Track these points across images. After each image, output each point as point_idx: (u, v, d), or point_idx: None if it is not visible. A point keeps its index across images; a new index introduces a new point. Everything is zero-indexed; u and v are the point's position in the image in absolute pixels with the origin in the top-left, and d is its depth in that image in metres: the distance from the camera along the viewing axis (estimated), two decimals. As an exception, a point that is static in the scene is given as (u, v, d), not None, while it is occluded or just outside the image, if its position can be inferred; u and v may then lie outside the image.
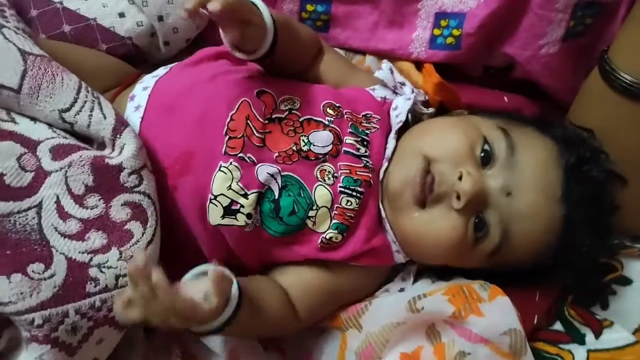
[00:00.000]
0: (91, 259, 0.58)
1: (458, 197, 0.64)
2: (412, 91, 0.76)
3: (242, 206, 0.64)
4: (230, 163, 0.64)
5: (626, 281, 0.77)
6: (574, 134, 0.73)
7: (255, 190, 0.65)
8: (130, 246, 0.60)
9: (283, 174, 0.66)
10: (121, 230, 0.60)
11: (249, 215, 0.64)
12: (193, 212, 0.66)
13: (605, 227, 0.71)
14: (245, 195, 0.64)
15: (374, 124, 0.72)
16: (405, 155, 0.70)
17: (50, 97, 0.60)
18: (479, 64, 0.88)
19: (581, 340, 0.73)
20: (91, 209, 0.59)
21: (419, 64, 0.87)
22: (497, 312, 0.65)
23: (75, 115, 0.61)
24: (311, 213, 0.66)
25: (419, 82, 0.83)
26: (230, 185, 0.64)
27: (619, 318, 0.74)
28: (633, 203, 0.74)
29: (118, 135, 0.62)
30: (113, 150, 0.62)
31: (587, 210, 0.67)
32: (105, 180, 0.60)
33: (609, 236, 0.73)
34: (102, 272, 0.58)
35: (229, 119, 0.66)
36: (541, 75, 0.84)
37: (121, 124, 0.62)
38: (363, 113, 0.73)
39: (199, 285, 0.55)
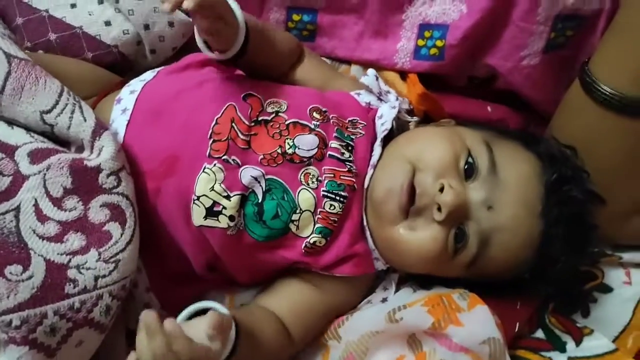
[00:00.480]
0: (70, 261, 0.58)
1: (439, 209, 0.64)
2: (397, 99, 0.77)
3: (224, 207, 0.64)
4: (214, 165, 0.65)
5: (607, 289, 0.78)
6: (557, 151, 0.73)
7: (238, 193, 0.65)
8: (109, 247, 0.60)
9: (267, 177, 0.66)
10: (100, 231, 0.60)
11: (231, 218, 0.65)
12: (177, 214, 0.66)
13: (583, 244, 0.72)
14: (227, 197, 0.64)
15: (360, 129, 0.73)
16: (391, 163, 0.70)
17: (33, 99, 0.61)
18: (463, 74, 0.89)
19: (562, 348, 0.73)
20: (70, 211, 0.59)
21: (403, 74, 0.87)
22: (476, 321, 0.65)
23: (56, 117, 0.61)
24: (294, 217, 0.67)
25: (403, 91, 0.84)
26: (212, 187, 0.64)
27: (599, 326, 0.75)
28: (613, 212, 0.74)
29: (97, 138, 0.62)
30: (92, 152, 0.62)
31: (565, 228, 0.67)
32: (84, 182, 0.60)
33: (586, 252, 0.74)
34: (81, 273, 0.58)
35: (214, 122, 0.67)
36: (523, 86, 0.85)
37: (100, 127, 0.63)
38: (349, 118, 0.74)
39: (198, 326, 0.55)
